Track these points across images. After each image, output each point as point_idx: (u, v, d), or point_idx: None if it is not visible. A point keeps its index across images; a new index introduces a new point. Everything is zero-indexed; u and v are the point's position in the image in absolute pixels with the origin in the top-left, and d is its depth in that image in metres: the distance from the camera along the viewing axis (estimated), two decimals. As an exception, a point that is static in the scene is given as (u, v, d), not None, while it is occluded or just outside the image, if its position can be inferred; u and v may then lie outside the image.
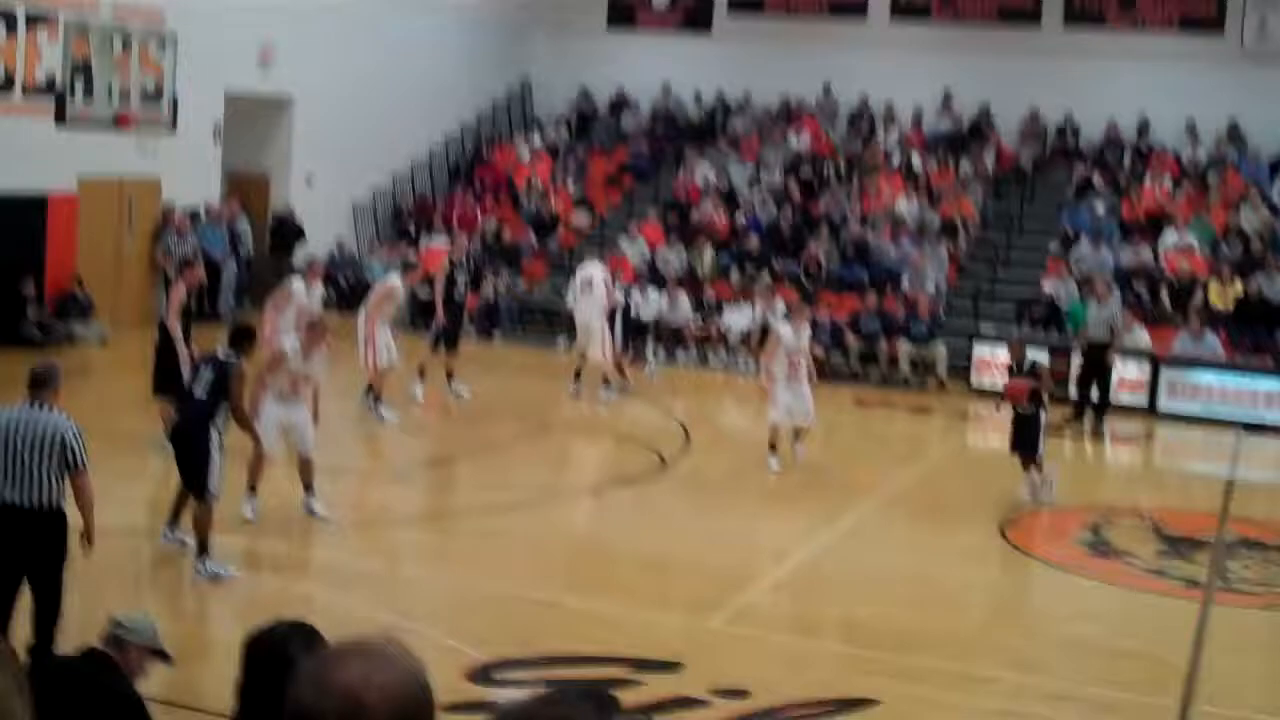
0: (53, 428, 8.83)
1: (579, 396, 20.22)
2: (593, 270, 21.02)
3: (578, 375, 20.47)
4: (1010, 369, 16.43)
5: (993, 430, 21.45)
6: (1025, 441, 15.88)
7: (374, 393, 18.06)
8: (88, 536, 9.06)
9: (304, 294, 17.03)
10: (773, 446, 16.51)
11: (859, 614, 12.10)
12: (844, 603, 12.55)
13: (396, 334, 18.68)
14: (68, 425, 8.90)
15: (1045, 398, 16.04)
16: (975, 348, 23.31)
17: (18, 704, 2.07)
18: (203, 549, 11.52)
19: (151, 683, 6.60)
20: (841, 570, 13.45)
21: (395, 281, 19.04)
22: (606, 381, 20.47)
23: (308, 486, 13.38)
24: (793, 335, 16.59)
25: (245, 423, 11.88)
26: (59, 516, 8.94)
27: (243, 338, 12.12)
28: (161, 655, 6.84)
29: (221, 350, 11.91)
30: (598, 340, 20.36)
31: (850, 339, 23.74)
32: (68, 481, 8.88)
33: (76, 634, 8.38)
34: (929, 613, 12.49)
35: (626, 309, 22.01)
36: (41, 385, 9.05)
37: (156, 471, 14.36)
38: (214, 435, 11.53)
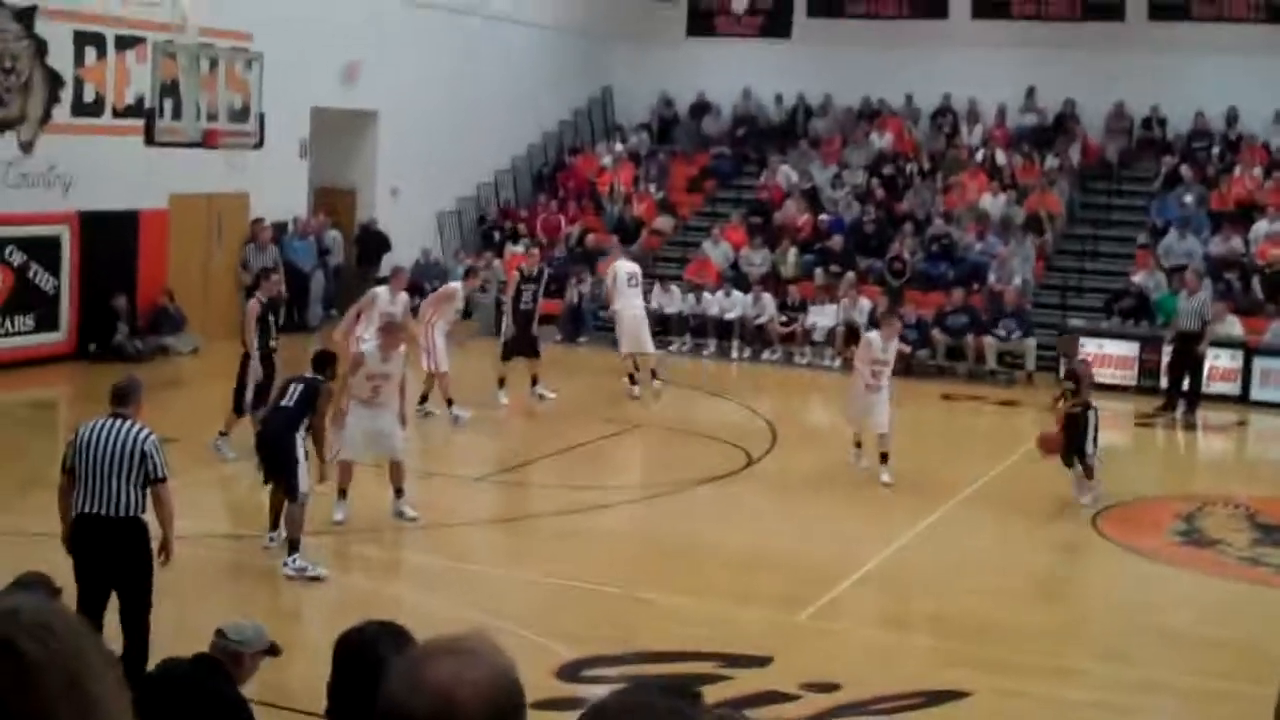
0: (132, 440, 8.95)
1: (641, 397, 20.22)
2: (635, 265, 21.19)
3: (632, 378, 20.36)
4: (1059, 371, 15.77)
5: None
6: (1072, 444, 15.25)
7: (425, 396, 18.24)
8: (166, 548, 9.22)
9: (388, 301, 17.16)
10: (858, 444, 16.39)
11: (948, 608, 12.04)
12: (933, 596, 12.50)
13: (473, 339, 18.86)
14: (147, 437, 9.03)
15: (1090, 399, 15.43)
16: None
17: (120, 706, 2.09)
18: (293, 547, 11.76)
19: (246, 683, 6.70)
20: (930, 564, 13.39)
21: (455, 285, 19.19)
22: (654, 374, 20.44)
23: (398, 491, 13.54)
24: (880, 345, 16.17)
25: (319, 439, 12.25)
26: (139, 526, 9.07)
27: (325, 362, 12.64)
28: (272, 651, 6.94)
29: (309, 373, 12.40)
30: (648, 333, 20.51)
31: (936, 335, 23.61)
32: (149, 493, 9.02)
33: (174, 637, 8.53)
34: (1019, 605, 12.42)
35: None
36: (123, 399, 9.21)
37: (241, 476, 14.61)
38: (299, 441, 11.90)
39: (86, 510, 8.96)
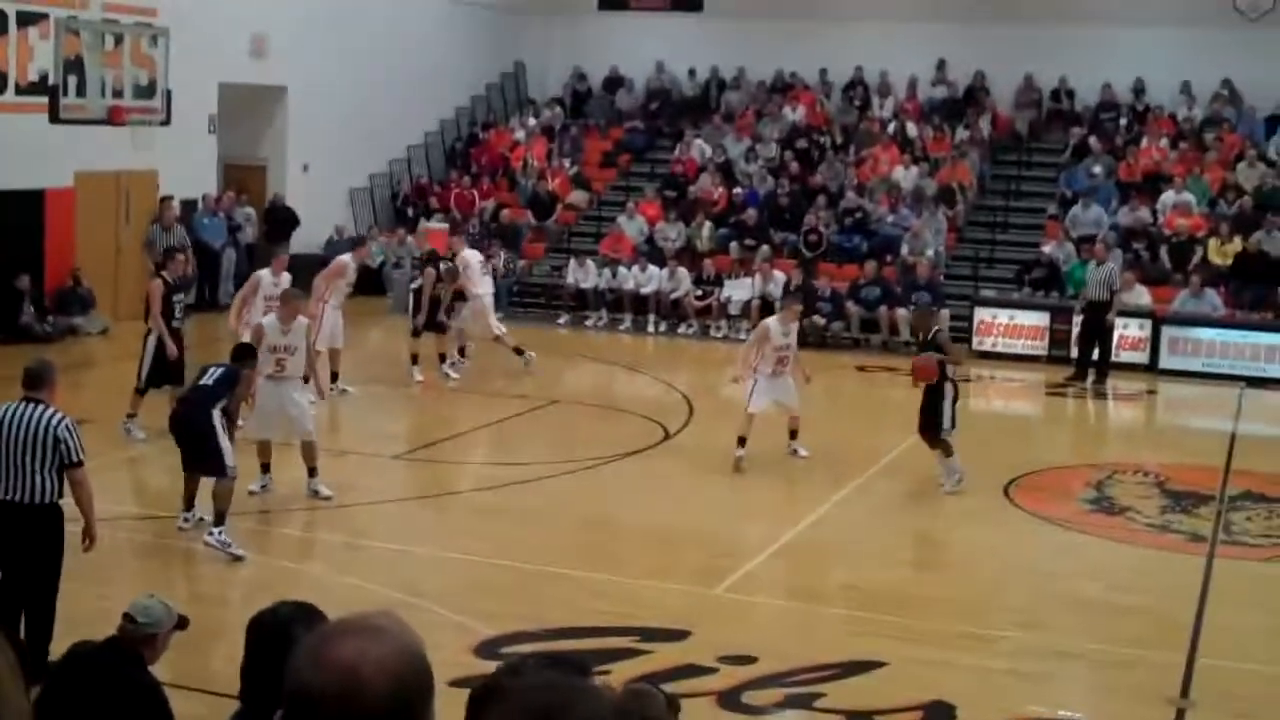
0: (46, 424, 8.78)
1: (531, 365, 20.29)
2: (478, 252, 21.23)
3: (519, 350, 20.38)
4: (917, 343, 15.23)
5: (996, 394, 21.57)
6: (929, 420, 14.76)
7: (336, 375, 18.23)
8: (88, 532, 9.07)
9: (271, 284, 16.72)
10: (741, 440, 15.43)
11: (863, 578, 12.15)
12: (848, 567, 12.61)
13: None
14: (61, 421, 8.85)
15: (950, 371, 14.83)
16: (976, 312, 23.33)
17: (12, 687, 2.07)
18: (219, 519, 11.71)
19: (160, 666, 6.62)
20: (845, 535, 13.50)
21: (345, 258, 19.08)
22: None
23: (311, 470, 13.46)
24: (780, 331, 15.73)
25: (233, 421, 12.33)
26: (54, 512, 8.94)
27: (245, 354, 12.58)
28: (181, 625, 6.85)
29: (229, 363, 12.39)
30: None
31: (851, 307, 23.76)
32: (65, 477, 8.87)
33: (89, 621, 8.42)
34: (934, 575, 12.56)
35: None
36: (35, 383, 9.02)
37: (152, 457, 14.45)
38: (217, 417, 11.80)
39: (1, 496, 8.83)
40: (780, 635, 10.69)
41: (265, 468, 13.45)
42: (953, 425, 14.70)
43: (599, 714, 2.32)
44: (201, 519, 12.08)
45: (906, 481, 15.36)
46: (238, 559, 11.63)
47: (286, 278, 16.89)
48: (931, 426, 14.70)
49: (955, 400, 14.77)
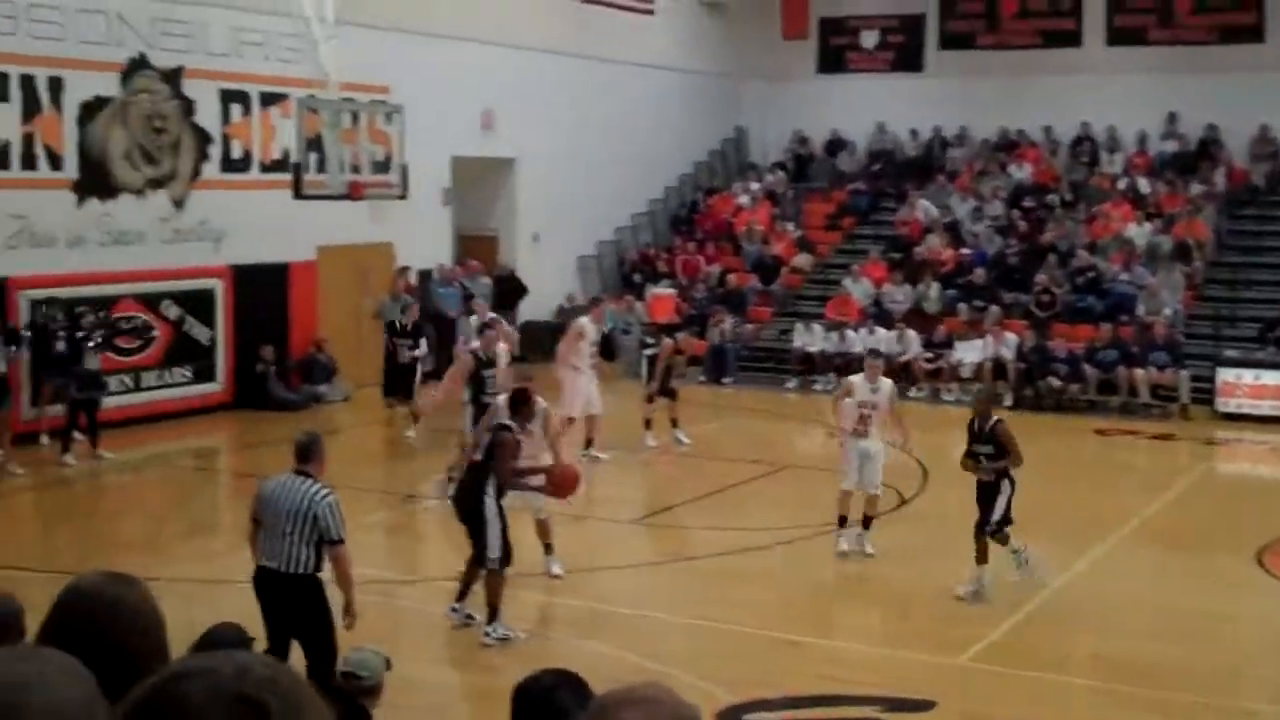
0: (308, 501, 8.99)
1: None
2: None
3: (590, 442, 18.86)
4: (973, 433, 13.09)
5: (1243, 457, 20.84)
6: (983, 514, 13.03)
7: (590, 441, 18.39)
8: (349, 610, 9.20)
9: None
10: (842, 520, 14.38)
11: (1111, 647, 11.81)
12: (1095, 636, 12.26)
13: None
14: (324, 498, 9.02)
15: (1010, 466, 12.91)
16: (1219, 373, 22.61)
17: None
18: (493, 615, 11.44)
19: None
20: (1091, 603, 13.14)
21: (583, 320, 19.22)
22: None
23: (547, 547, 13.28)
24: (867, 388, 14.47)
25: (500, 493, 11.65)
26: (312, 583, 9.11)
27: (518, 401, 12.16)
28: (388, 665, 6.98)
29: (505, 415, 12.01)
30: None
31: (1087, 369, 23.22)
32: (322, 552, 9.05)
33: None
34: (1184, 645, 12.14)
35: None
36: (305, 456, 9.25)
37: (402, 521, 14.77)
38: (488, 499, 11.48)
39: (265, 563, 9.15)
40: (1030, 707, 10.45)
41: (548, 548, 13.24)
42: (1006, 520, 12.93)
43: None
44: (470, 616, 11.78)
45: (1151, 547, 14.93)
46: (514, 639, 11.45)
47: (502, 348, 16.81)
48: (983, 525, 12.98)
49: (1011, 496, 12.94)
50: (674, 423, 19.76)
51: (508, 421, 11.88)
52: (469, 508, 11.58)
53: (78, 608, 2.69)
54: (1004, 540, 12.96)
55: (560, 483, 12.15)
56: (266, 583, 9.16)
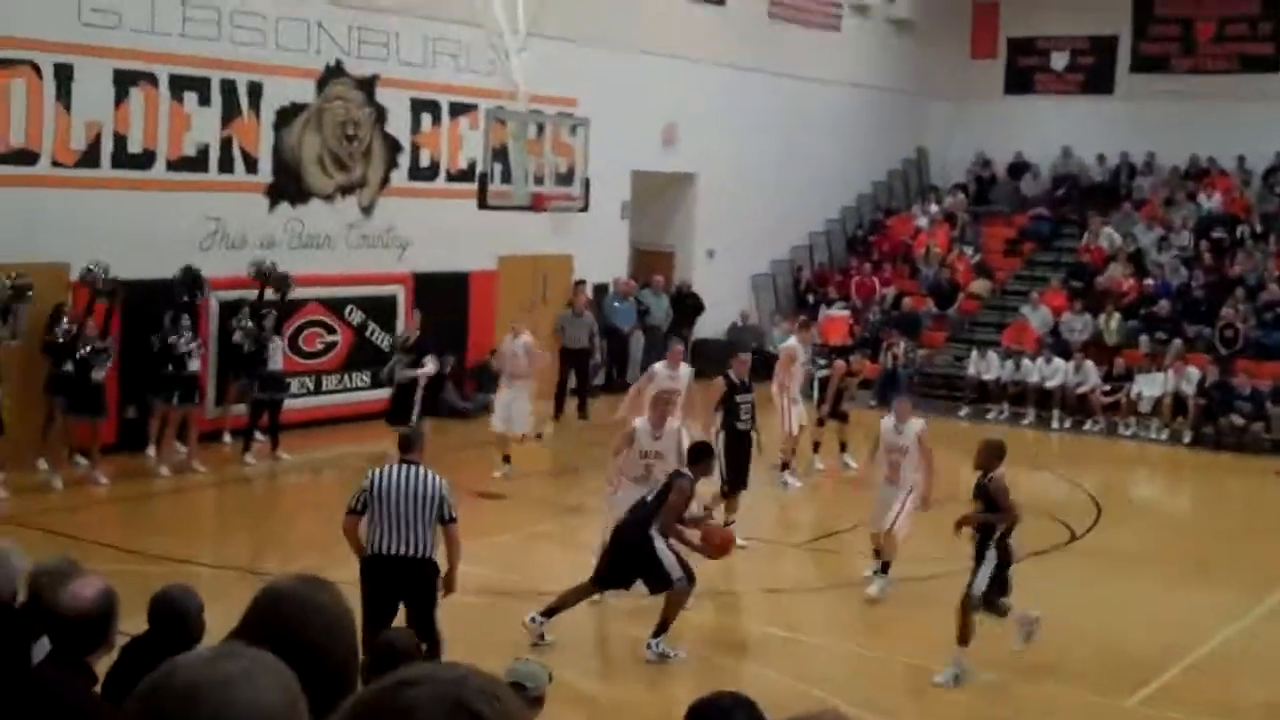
0: (430, 485, 9.71)
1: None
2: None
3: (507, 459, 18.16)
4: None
5: None
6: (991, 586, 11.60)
7: (785, 464, 18.36)
8: (450, 581, 9.87)
9: (666, 376, 16.34)
10: (881, 558, 14.01)
11: (1286, 698, 11.51)
12: (1271, 685, 11.97)
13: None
14: (444, 482, 9.81)
15: (1003, 527, 11.63)
16: None
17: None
18: (662, 628, 11.51)
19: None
20: (1268, 651, 12.82)
21: (792, 342, 19.27)
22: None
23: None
24: (893, 430, 13.96)
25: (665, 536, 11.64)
26: (433, 566, 9.78)
27: (698, 455, 12.27)
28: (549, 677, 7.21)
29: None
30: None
31: (1271, 408, 22.61)
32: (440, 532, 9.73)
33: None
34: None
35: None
36: (410, 446, 10.06)
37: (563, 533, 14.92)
38: (655, 536, 11.48)
39: (387, 550, 9.65)
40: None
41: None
42: (992, 591, 11.52)
43: None
44: (542, 636, 11.59)
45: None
46: (674, 659, 11.53)
47: (685, 370, 16.82)
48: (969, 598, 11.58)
49: (1002, 566, 11.57)
50: (842, 446, 19.67)
51: (686, 471, 11.89)
52: (633, 541, 11.50)
53: (274, 609, 2.82)
54: (1001, 613, 11.60)
55: (717, 545, 12.09)
56: (387, 569, 9.65)
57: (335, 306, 21.19)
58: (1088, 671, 11.99)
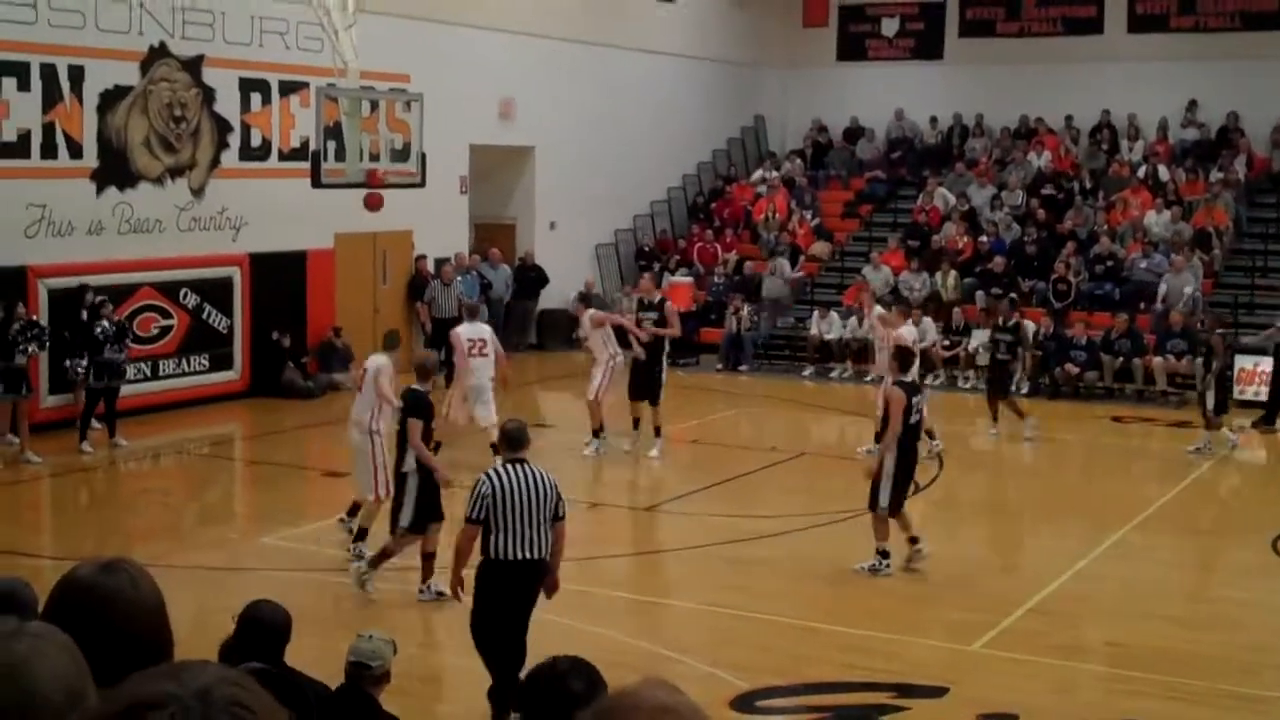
0: (549, 483, 9.16)
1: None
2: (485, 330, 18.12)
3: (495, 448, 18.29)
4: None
5: (1259, 444, 20.78)
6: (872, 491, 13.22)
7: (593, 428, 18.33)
8: (554, 581, 9.39)
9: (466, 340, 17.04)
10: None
11: (1126, 635, 11.79)
12: (1111, 624, 12.25)
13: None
14: (554, 479, 9.29)
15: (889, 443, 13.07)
16: (1237, 360, 22.52)
17: None
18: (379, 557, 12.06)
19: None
20: (1106, 590, 13.13)
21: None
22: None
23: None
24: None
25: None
26: (546, 566, 9.27)
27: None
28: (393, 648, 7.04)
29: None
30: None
31: (1104, 357, 23.18)
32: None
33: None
34: (1200, 632, 12.12)
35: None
36: (520, 443, 9.37)
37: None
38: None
39: (518, 556, 9.06)
40: (1042, 693, 10.45)
41: None
42: (889, 504, 13.10)
43: None
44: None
45: (1168, 535, 14.91)
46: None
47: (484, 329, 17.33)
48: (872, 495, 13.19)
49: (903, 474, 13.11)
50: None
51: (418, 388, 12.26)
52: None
53: (71, 601, 2.76)
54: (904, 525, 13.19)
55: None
56: (524, 574, 9.13)
57: (169, 291, 20.74)
58: (934, 618, 12.19)
